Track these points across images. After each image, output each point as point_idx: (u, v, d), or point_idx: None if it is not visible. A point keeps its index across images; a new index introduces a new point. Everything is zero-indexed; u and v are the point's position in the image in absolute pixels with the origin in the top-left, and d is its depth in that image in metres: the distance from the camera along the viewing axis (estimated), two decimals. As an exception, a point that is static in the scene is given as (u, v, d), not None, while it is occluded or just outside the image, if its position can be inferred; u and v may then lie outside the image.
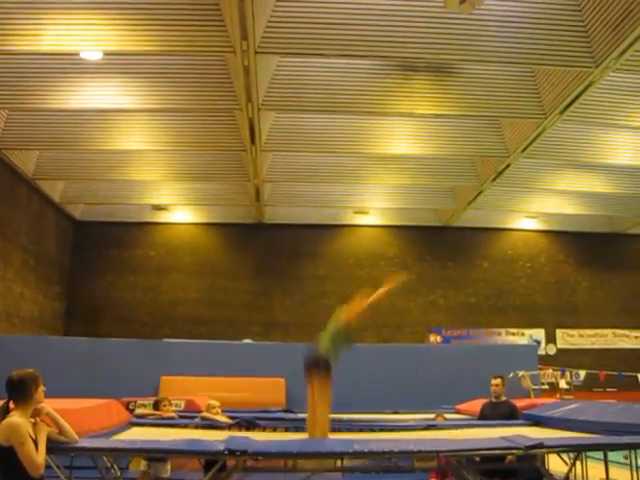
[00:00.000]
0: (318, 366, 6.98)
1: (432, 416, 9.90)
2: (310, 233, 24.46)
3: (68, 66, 14.57)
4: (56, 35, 12.44)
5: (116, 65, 14.64)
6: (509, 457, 7.02)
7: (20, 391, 4.69)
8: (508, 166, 18.67)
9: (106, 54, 13.66)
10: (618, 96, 15.61)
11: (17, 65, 14.43)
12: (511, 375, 12.23)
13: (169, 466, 8.96)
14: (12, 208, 18.78)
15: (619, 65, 13.04)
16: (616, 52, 12.35)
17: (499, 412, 8.90)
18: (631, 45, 12.02)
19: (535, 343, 23.08)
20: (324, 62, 14.78)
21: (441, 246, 25.07)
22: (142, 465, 8.72)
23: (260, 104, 14.94)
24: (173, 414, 9.45)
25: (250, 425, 9.29)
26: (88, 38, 12.59)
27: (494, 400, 9.15)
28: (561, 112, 15.14)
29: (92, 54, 13.56)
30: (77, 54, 13.57)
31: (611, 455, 10.14)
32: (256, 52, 12.63)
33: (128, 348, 14.49)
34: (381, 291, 7.42)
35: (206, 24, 12.45)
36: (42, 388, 4.86)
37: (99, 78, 14.84)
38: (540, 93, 15.24)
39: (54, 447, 5.14)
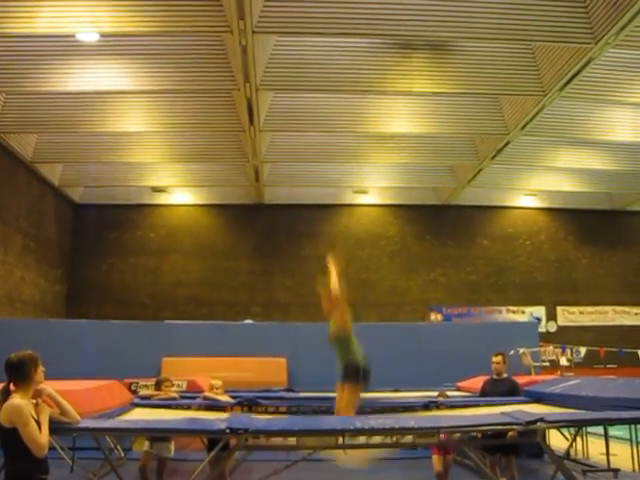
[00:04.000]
0: (357, 377, 7.06)
1: (435, 394, 9.92)
2: (310, 213, 24.45)
3: (64, 48, 14.52)
4: (52, 17, 12.36)
5: (112, 47, 14.57)
6: (510, 433, 7.06)
7: (20, 372, 4.70)
8: (507, 144, 18.63)
9: (102, 35, 13.60)
10: (618, 72, 15.54)
11: (13, 48, 14.38)
12: (512, 352, 12.26)
13: (173, 446, 8.99)
14: (11, 192, 18.77)
15: (619, 41, 12.99)
16: (616, 28, 12.29)
17: (500, 389, 8.92)
18: (631, 21, 11.97)
19: (536, 320, 23.14)
20: (322, 41, 14.70)
21: (441, 225, 25.07)
22: (145, 445, 8.76)
23: (258, 84, 14.88)
24: (175, 394, 9.48)
25: (252, 404, 9.32)
26: (84, 20, 12.53)
27: (495, 377, 9.17)
28: (560, 89, 15.08)
29: (88, 36, 13.50)
30: (73, 36, 13.52)
31: (611, 430, 10.24)
32: (253, 32, 12.57)
33: (129, 330, 14.52)
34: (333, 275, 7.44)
35: (203, 4, 12.38)
36: (41, 369, 4.86)
37: (96, 60, 14.77)
38: (539, 70, 15.17)
39: (56, 428, 5.17)
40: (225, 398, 9.13)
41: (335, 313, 7.51)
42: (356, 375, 7.13)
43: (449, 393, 10.45)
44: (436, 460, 8.69)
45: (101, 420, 6.15)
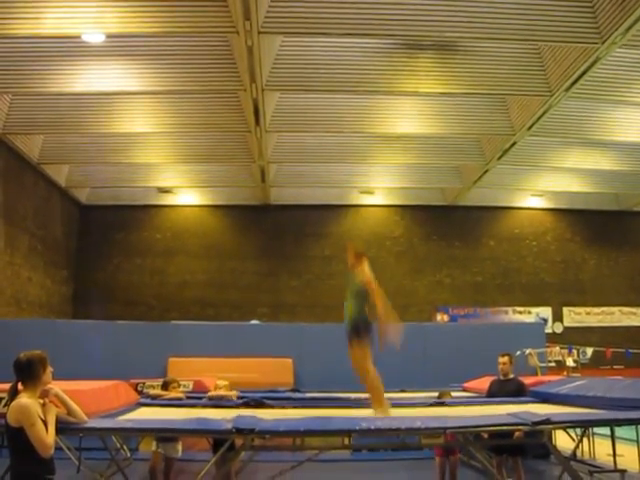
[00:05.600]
0: (358, 333, 7.12)
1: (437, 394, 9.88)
2: (316, 214, 24.44)
3: (71, 49, 14.55)
4: (57, 18, 12.39)
5: (118, 47, 14.60)
6: (516, 433, 7.05)
7: (28, 372, 4.70)
8: (514, 144, 18.58)
9: (108, 36, 13.63)
10: (625, 72, 15.49)
11: (19, 49, 14.40)
12: (518, 353, 12.23)
13: (180, 446, 9.00)
14: (18, 193, 18.82)
15: (625, 41, 12.94)
16: (622, 28, 12.25)
17: (507, 390, 8.91)
18: (637, 20, 11.92)
19: (542, 321, 23.08)
20: (328, 41, 14.70)
21: (447, 225, 25.03)
22: (153, 446, 8.77)
23: (264, 85, 14.88)
24: (181, 395, 9.48)
25: (258, 405, 9.33)
26: (89, 20, 12.54)
27: (502, 378, 9.17)
28: (567, 89, 15.04)
29: (94, 36, 13.53)
30: (79, 37, 13.54)
31: (618, 431, 10.21)
32: (259, 32, 12.57)
33: (136, 331, 14.54)
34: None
35: (208, 4, 12.38)
36: (50, 369, 4.87)
37: (102, 61, 14.80)
38: (546, 70, 15.14)
39: (63, 428, 5.17)
40: (230, 393, 9.14)
41: (359, 270, 7.41)
42: (366, 330, 7.14)
43: (455, 394, 10.43)
44: (438, 463, 8.71)
45: (107, 420, 6.15)
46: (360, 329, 7.13)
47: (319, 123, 17.79)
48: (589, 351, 19.95)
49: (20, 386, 4.72)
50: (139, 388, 10.87)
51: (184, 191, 24.30)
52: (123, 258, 24.05)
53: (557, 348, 18.53)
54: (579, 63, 13.92)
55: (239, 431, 5.52)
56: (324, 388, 11.63)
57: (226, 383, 9.40)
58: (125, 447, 10.07)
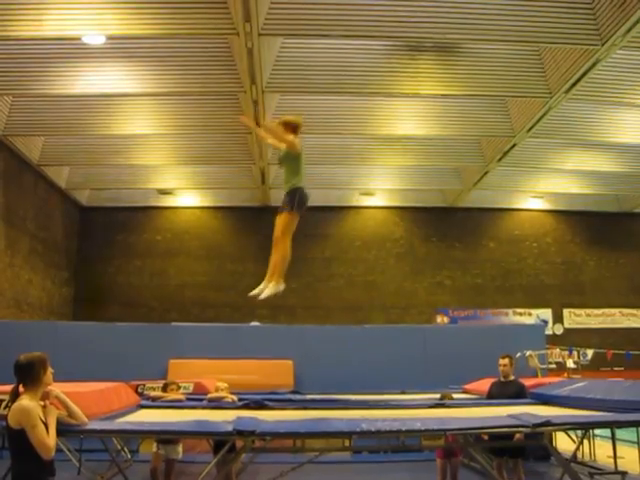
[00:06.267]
0: (292, 204, 7.11)
1: (438, 396, 9.88)
2: (316, 215, 24.31)
3: (71, 51, 14.53)
4: (58, 20, 12.39)
5: (119, 49, 14.58)
6: (517, 435, 7.05)
7: (28, 374, 4.70)
8: (514, 146, 18.59)
9: (109, 38, 13.63)
10: (625, 74, 15.49)
11: (20, 50, 14.40)
12: (519, 355, 12.23)
13: (180, 448, 9.00)
14: (18, 195, 18.81)
15: (626, 42, 12.94)
16: (623, 29, 12.26)
17: (507, 391, 8.91)
18: (638, 22, 11.93)
19: (542, 323, 23.06)
20: (328, 43, 14.70)
21: (447, 227, 25.02)
22: (154, 447, 8.77)
23: (264, 86, 14.89)
24: (181, 396, 9.49)
25: (259, 407, 9.32)
26: (90, 22, 12.55)
27: (502, 380, 9.17)
28: (567, 90, 15.04)
29: (94, 38, 13.53)
30: (79, 38, 13.55)
31: (618, 433, 10.22)
32: (259, 34, 12.58)
33: (136, 332, 14.51)
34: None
35: (209, 6, 12.39)
36: (50, 370, 4.86)
37: (102, 63, 14.79)
38: (546, 72, 15.14)
39: (64, 429, 5.17)
40: (229, 396, 9.14)
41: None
42: (300, 204, 7.11)
43: (455, 395, 10.44)
44: (439, 465, 8.70)
45: (108, 422, 6.15)
46: (294, 200, 7.08)
47: (319, 125, 17.75)
48: (589, 353, 19.96)
49: (21, 388, 4.72)
50: (139, 390, 10.86)
51: (184, 193, 24.30)
52: (123, 260, 24.03)
53: (557, 350, 18.58)
54: (579, 65, 13.93)
55: (240, 433, 5.52)
56: (324, 390, 11.63)
57: (226, 385, 9.41)
58: (126, 449, 10.09)
